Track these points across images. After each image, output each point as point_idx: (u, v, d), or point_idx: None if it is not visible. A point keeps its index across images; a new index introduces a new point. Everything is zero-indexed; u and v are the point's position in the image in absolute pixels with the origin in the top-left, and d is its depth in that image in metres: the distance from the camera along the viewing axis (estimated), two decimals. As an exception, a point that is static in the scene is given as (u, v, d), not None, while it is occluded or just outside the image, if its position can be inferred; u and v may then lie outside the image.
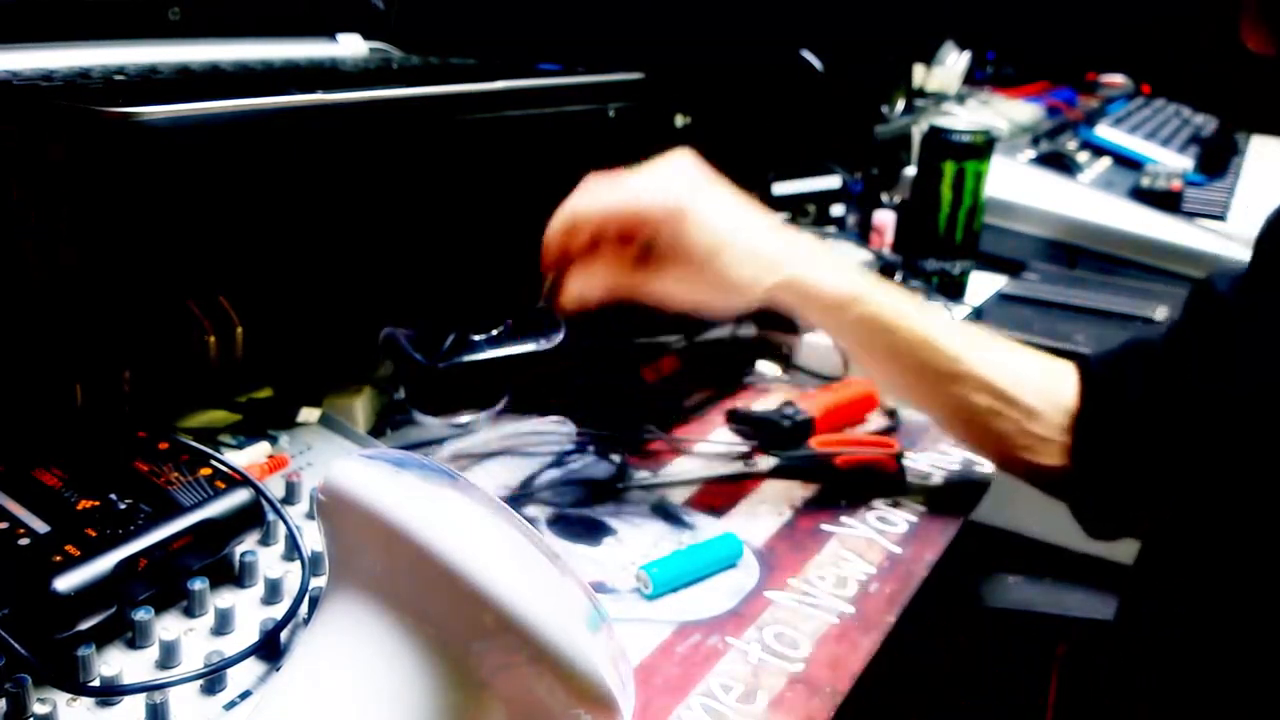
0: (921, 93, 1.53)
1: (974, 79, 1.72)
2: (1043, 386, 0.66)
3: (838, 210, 1.28)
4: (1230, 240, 1.13)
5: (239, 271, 0.64)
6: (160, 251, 0.59)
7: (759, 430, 0.78)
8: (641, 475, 0.73)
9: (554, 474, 0.72)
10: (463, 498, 0.40)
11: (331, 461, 0.47)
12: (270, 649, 0.47)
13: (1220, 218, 1.25)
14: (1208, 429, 0.57)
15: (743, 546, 0.64)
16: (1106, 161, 1.47)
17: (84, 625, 0.45)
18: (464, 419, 0.76)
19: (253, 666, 0.47)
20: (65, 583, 0.44)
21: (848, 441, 0.77)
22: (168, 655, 0.46)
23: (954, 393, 0.65)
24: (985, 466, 0.77)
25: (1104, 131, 1.58)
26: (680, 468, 0.75)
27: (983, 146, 1.06)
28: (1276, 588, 0.51)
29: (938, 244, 1.08)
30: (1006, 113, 1.53)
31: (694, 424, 0.81)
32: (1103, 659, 0.71)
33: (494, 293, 0.77)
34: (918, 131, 1.15)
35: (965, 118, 1.36)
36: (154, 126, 0.52)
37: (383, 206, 0.71)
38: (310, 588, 0.50)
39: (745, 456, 0.76)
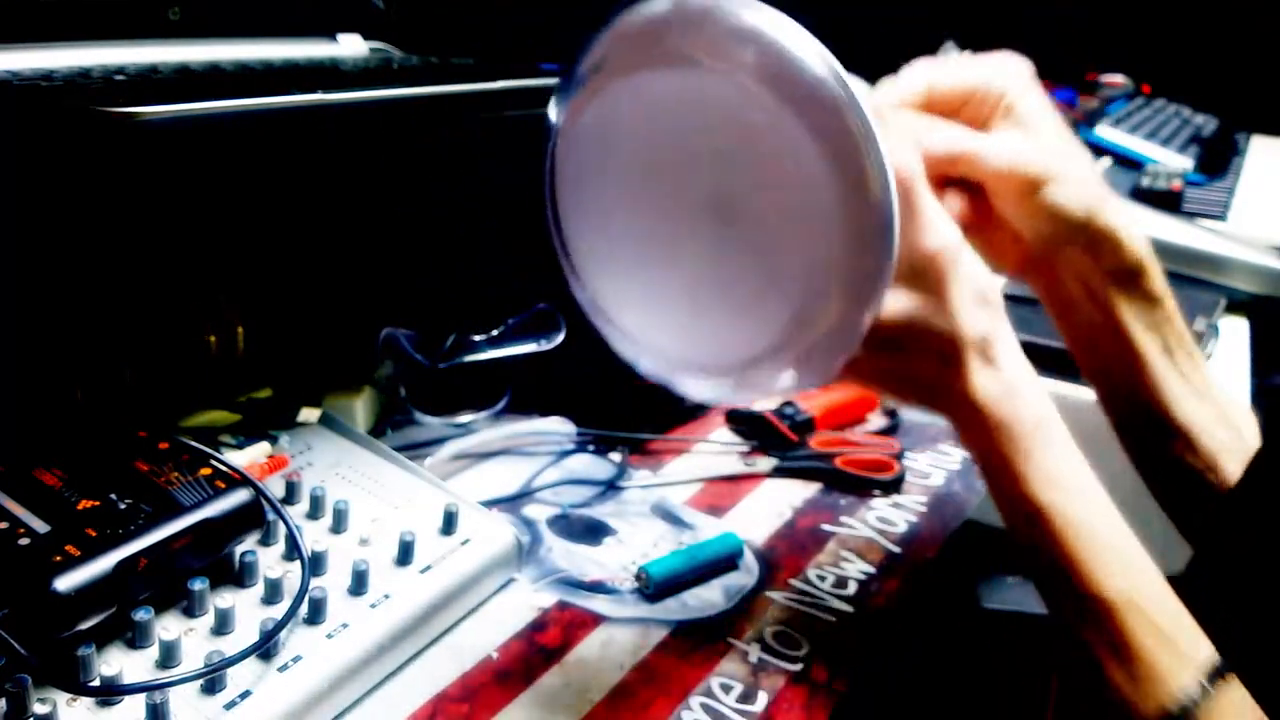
0: (921, 93, 1.53)
1: (974, 79, 1.72)
2: (1250, 425, 0.61)
3: (838, 210, 1.28)
4: (1230, 240, 1.13)
5: (239, 271, 0.64)
6: (160, 251, 0.59)
7: (759, 430, 0.78)
8: (641, 475, 0.73)
9: (554, 474, 0.72)
10: None
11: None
12: (270, 649, 0.47)
13: (1220, 218, 1.25)
14: None
15: (743, 546, 0.64)
16: (1106, 161, 1.47)
17: (84, 625, 0.45)
18: (464, 419, 0.76)
19: (253, 666, 0.47)
20: (65, 583, 0.44)
21: (848, 442, 0.77)
22: (168, 655, 0.46)
23: (1204, 414, 0.59)
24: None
25: (1104, 131, 1.58)
26: (680, 468, 0.75)
27: (983, 146, 1.05)
28: None
29: (938, 244, 1.08)
30: (1006, 113, 1.53)
31: (694, 424, 0.81)
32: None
33: (494, 293, 0.77)
34: (918, 131, 1.15)
35: (965, 118, 1.36)
36: (154, 126, 0.52)
37: (383, 206, 0.71)
38: (310, 587, 0.50)
39: (745, 456, 0.77)
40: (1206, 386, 0.60)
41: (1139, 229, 0.57)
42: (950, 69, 0.54)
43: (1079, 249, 0.56)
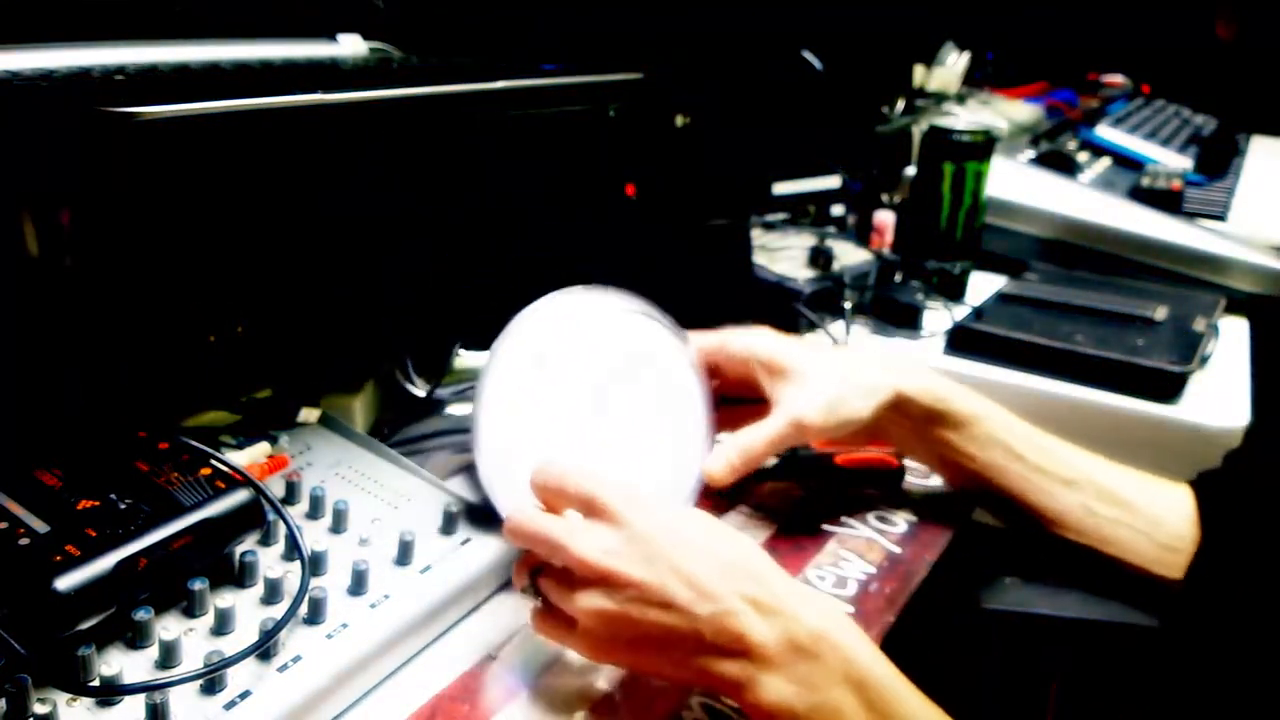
0: (921, 93, 1.53)
1: (974, 79, 1.72)
2: (1164, 498, 0.66)
3: (838, 210, 1.28)
4: (1230, 240, 1.13)
5: (239, 271, 0.64)
6: (160, 251, 0.59)
7: (759, 430, 0.78)
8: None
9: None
10: None
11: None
12: (270, 649, 0.47)
13: (1220, 218, 1.25)
14: None
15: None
16: (1106, 161, 1.47)
17: (84, 625, 0.45)
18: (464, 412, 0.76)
19: (253, 666, 0.47)
20: (65, 583, 0.44)
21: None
22: (168, 655, 0.46)
23: (1075, 499, 0.65)
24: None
25: (1104, 131, 1.58)
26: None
27: (983, 146, 1.06)
28: None
29: (938, 244, 1.08)
30: (1006, 113, 1.53)
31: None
32: (1106, 662, 0.71)
33: (494, 292, 0.77)
34: (918, 131, 1.15)
35: (965, 118, 1.36)
36: (154, 126, 0.52)
37: (382, 206, 0.71)
38: (310, 587, 0.50)
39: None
40: (1076, 472, 0.66)
41: (928, 379, 0.67)
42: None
43: (882, 427, 0.67)
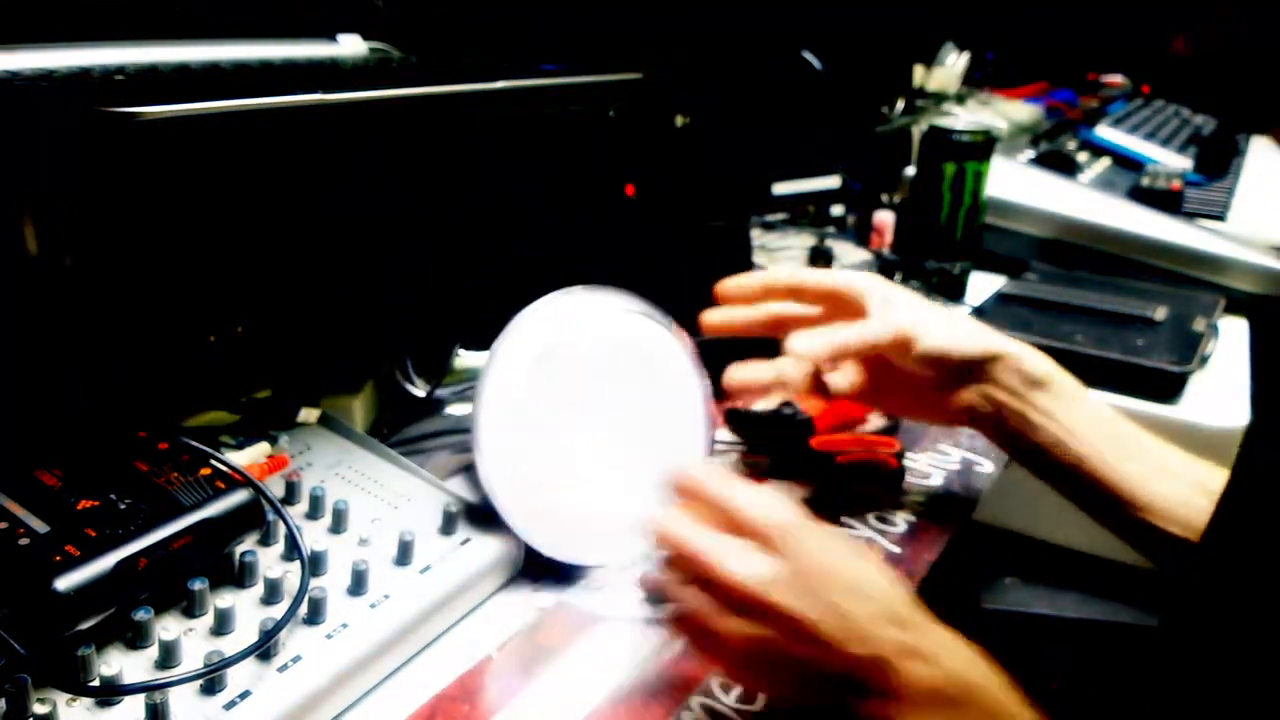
0: (921, 93, 1.53)
1: (974, 79, 1.72)
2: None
3: (838, 210, 1.28)
4: (1230, 240, 1.13)
5: (239, 271, 0.64)
6: (160, 251, 0.59)
7: (759, 430, 0.78)
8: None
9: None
10: None
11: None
12: (270, 649, 0.47)
13: (1220, 218, 1.25)
14: None
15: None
16: (1106, 161, 1.47)
17: (84, 625, 0.45)
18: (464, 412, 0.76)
19: (252, 666, 0.47)
20: (65, 583, 0.44)
21: (848, 441, 0.77)
22: (167, 655, 0.46)
23: (1172, 489, 0.63)
24: (985, 466, 0.77)
25: (1104, 131, 1.58)
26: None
27: (983, 146, 1.06)
28: None
29: (937, 244, 1.08)
30: (1006, 113, 1.54)
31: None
32: (1106, 662, 0.71)
33: (494, 292, 0.77)
34: (918, 131, 1.15)
35: (965, 118, 1.36)
36: (154, 126, 0.52)
37: (382, 206, 0.71)
38: (310, 587, 0.50)
39: (745, 456, 0.76)
40: (1174, 464, 0.64)
41: (1039, 353, 0.66)
42: (817, 274, 0.69)
43: (980, 382, 0.65)
